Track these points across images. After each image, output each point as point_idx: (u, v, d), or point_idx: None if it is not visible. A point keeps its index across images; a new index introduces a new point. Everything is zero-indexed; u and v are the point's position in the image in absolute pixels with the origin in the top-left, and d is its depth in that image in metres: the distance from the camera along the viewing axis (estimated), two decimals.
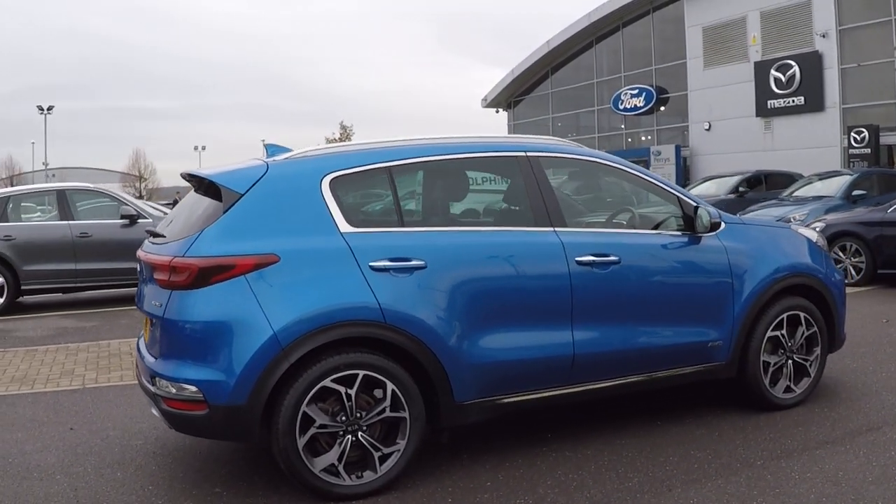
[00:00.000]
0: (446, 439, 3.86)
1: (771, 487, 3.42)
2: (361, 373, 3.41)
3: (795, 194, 12.98)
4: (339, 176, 3.61)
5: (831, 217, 9.76)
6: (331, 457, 3.39)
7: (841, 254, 9.33)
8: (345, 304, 3.39)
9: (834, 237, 9.21)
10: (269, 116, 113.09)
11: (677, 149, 25.88)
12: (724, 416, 4.40)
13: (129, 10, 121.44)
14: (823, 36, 20.89)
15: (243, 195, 3.48)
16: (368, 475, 3.45)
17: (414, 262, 3.54)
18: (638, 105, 29.33)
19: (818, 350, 4.64)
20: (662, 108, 28.37)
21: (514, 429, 4.37)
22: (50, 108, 57.24)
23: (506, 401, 3.77)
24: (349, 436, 3.41)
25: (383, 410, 3.47)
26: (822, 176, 13.16)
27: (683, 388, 4.68)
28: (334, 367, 3.37)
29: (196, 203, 3.75)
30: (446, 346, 3.54)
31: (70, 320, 8.61)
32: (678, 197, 4.33)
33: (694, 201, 4.31)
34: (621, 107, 30.02)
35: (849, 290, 9.11)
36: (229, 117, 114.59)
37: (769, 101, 22.37)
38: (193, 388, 3.30)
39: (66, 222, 9.43)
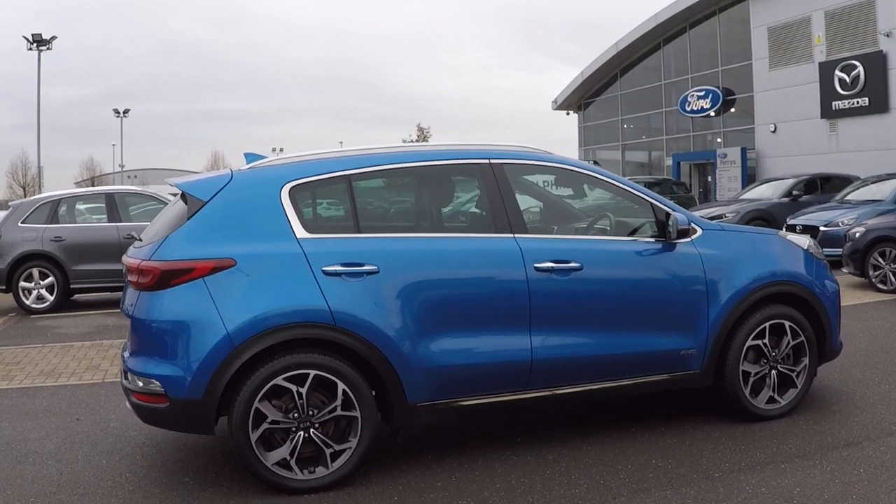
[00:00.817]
0: (402, 439, 3.96)
1: (718, 501, 3.36)
2: (312, 372, 3.55)
3: (848, 198, 12.39)
4: (299, 184, 3.78)
5: (872, 222, 9.27)
6: (283, 451, 3.55)
7: (881, 259, 8.86)
8: (295, 306, 3.55)
9: (874, 242, 8.76)
10: (349, 118, 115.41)
11: (743, 151, 25.02)
12: (702, 426, 4.32)
13: (217, 14, 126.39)
14: (888, 35, 19.80)
15: (207, 202, 3.69)
16: (320, 471, 3.59)
17: (366, 268, 3.66)
18: (704, 107, 28.51)
19: (806, 360, 4.48)
20: (732, 110, 27.51)
21: (487, 431, 4.43)
22: (126, 112, 59.18)
23: (462, 404, 3.84)
24: (301, 432, 3.56)
25: (334, 409, 3.60)
26: (877, 179, 12.50)
27: (670, 394, 4.64)
28: (285, 366, 3.53)
29: (172, 209, 4.00)
30: (397, 349, 3.64)
31: (112, 318, 9.14)
32: (651, 203, 4.29)
33: (668, 208, 4.26)
34: (688, 109, 29.25)
35: (886, 297, 8.79)
36: (310, 119, 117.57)
37: (833, 103, 21.34)
38: (157, 383, 3.53)
39: (113, 224, 10.05)
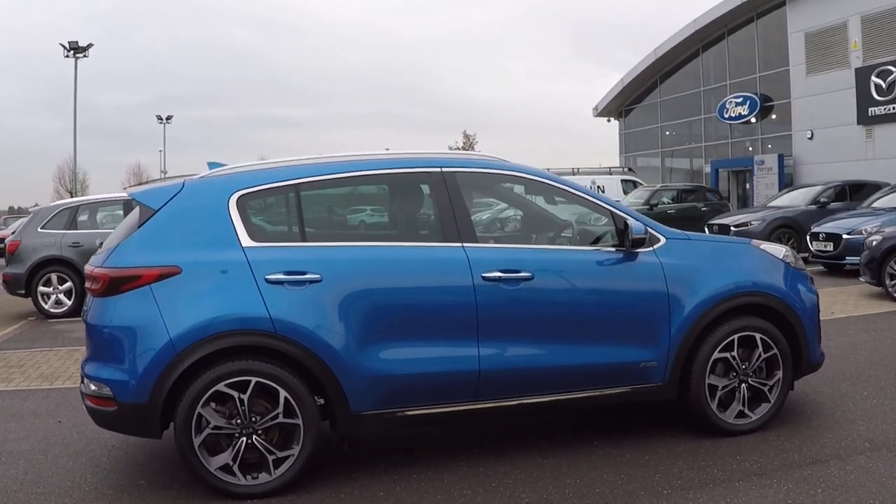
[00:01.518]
0: (346, 447, 3.96)
1: None
2: (254, 379, 3.57)
3: (875, 205, 11.93)
4: (247, 193, 3.81)
5: (890, 230, 8.90)
6: (226, 457, 3.57)
7: None
8: (236, 314, 3.58)
9: (890, 251, 8.41)
10: (401, 124, 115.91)
11: (780, 158, 24.34)
12: (668, 440, 4.19)
13: (269, 20, 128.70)
14: None
15: (157, 211, 3.76)
16: (263, 477, 3.61)
17: (309, 276, 3.67)
18: (742, 113, 27.91)
19: (780, 374, 4.32)
20: (774, 116, 26.88)
21: (449, 440, 4.40)
22: (169, 118, 59.75)
23: (409, 413, 3.81)
24: (244, 438, 3.58)
25: (276, 416, 3.61)
26: None
27: (643, 407, 4.53)
28: (227, 372, 3.56)
29: (130, 218, 4.09)
30: (339, 358, 3.64)
31: None
32: (611, 212, 4.21)
33: (628, 216, 4.18)
34: (726, 115, 28.67)
35: None
36: (362, 125, 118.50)
37: (870, 109, 20.62)
38: (106, 387, 3.60)
39: None
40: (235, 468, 3.59)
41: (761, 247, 4.53)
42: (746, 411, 4.26)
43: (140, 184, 4.38)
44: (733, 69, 28.69)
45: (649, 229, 4.19)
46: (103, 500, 3.67)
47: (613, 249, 4.11)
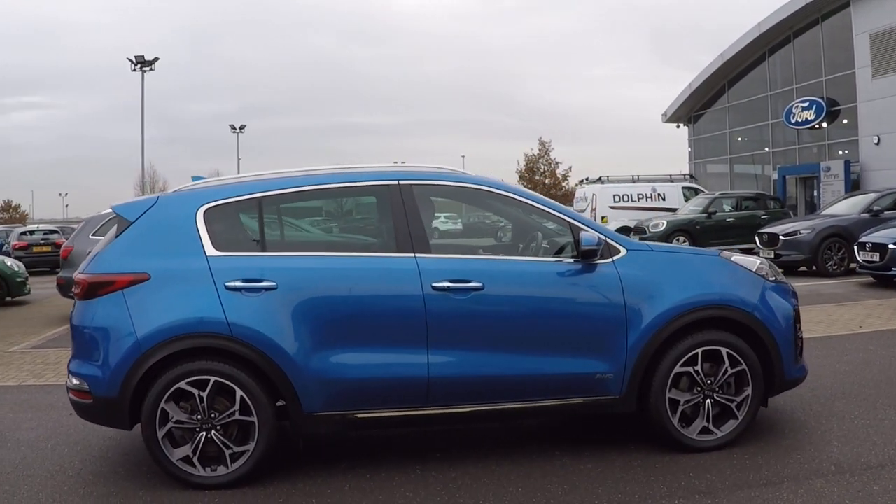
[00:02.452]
0: (301, 446, 4.14)
1: None
2: (213, 378, 3.79)
3: None
4: (213, 206, 4.04)
5: None
6: (186, 449, 3.80)
7: None
8: (196, 318, 3.81)
9: None
10: (484, 131, 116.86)
11: (846, 164, 23.30)
12: (632, 454, 4.15)
13: (352, 30, 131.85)
14: None
15: (133, 223, 4.04)
16: (221, 470, 3.82)
17: (265, 284, 3.87)
18: (809, 118, 26.83)
19: (748, 390, 4.25)
20: (845, 121, 25.77)
21: (416, 445, 4.51)
22: (242, 127, 60.58)
23: (360, 416, 3.94)
24: (203, 433, 3.81)
25: (233, 413, 3.82)
26: None
27: (624, 419, 4.50)
28: (188, 371, 3.79)
29: (112, 230, 4.39)
30: (291, 360, 3.82)
31: None
32: (569, 223, 4.24)
33: (587, 227, 4.20)
34: (793, 120, 27.65)
35: None
36: (445, 132, 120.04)
37: None
38: (84, 382, 3.90)
39: None
40: (195, 460, 3.81)
41: (732, 259, 4.46)
42: (711, 427, 4.19)
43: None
44: (800, 73, 27.69)
45: (609, 240, 4.20)
46: (81, 484, 3.96)
47: (571, 261, 4.15)
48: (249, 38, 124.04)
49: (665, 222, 19.32)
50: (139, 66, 38.62)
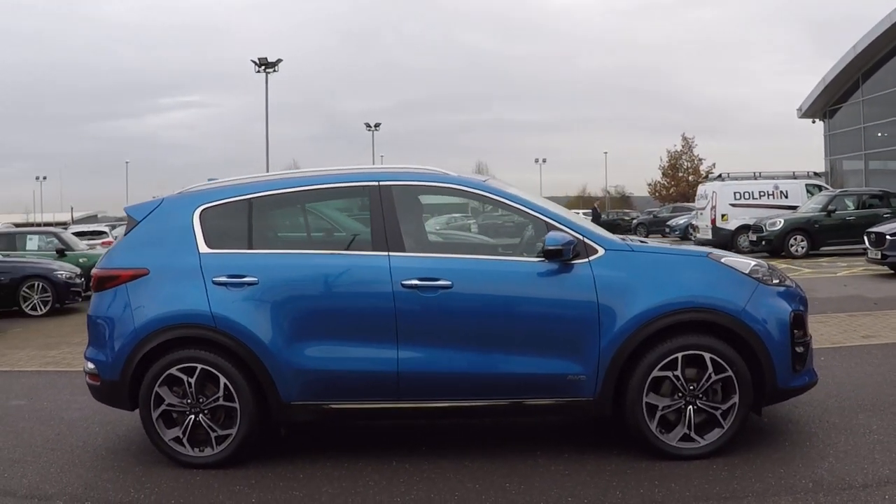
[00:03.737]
0: (284, 433, 4.39)
1: None
2: (199, 366, 4.12)
3: None
4: (209, 207, 4.37)
5: None
6: (177, 430, 4.16)
7: None
8: (184, 310, 4.15)
9: None
10: (637, 126, 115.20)
11: None
12: (610, 458, 4.06)
13: (503, 26, 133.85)
14: None
15: (140, 222, 4.46)
16: (208, 451, 4.14)
17: (247, 279, 4.15)
18: None
19: (735, 399, 4.05)
20: None
21: (405, 439, 4.64)
22: (377, 125, 61.85)
23: (334, 406, 4.14)
24: (192, 416, 4.16)
25: (217, 399, 4.13)
26: None
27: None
28: (178, 359, 4.14)
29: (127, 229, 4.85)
30: (269, 351, 4.07)
31: None
32: (545, 222, 4.21)
33: (559, 228, 4.14)
34: None
35: None
36: (599, 128, 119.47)
37: None
38: (94, 366, 4.38)
39: None
40: (185, 441, 4.16)
41: (722, 260, 4.25)
42: (693, 435, 4.03)
43: None
44: None
45: (587, 240, 4.15)
46: (92, 458, 4.41)
47: (540, 260, 4.13)
48: (404, 36, 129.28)
49: (782, 221, 18.40)
50: (263, 67, 40.90)
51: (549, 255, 4.03)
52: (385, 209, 4.24)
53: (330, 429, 4.82)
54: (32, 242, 14.58)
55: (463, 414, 4.21)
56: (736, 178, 21.45)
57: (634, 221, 39.07)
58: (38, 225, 45.79)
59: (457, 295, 4.07)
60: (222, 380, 4.13)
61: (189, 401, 4.16)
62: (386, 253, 4.15)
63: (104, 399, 4.42)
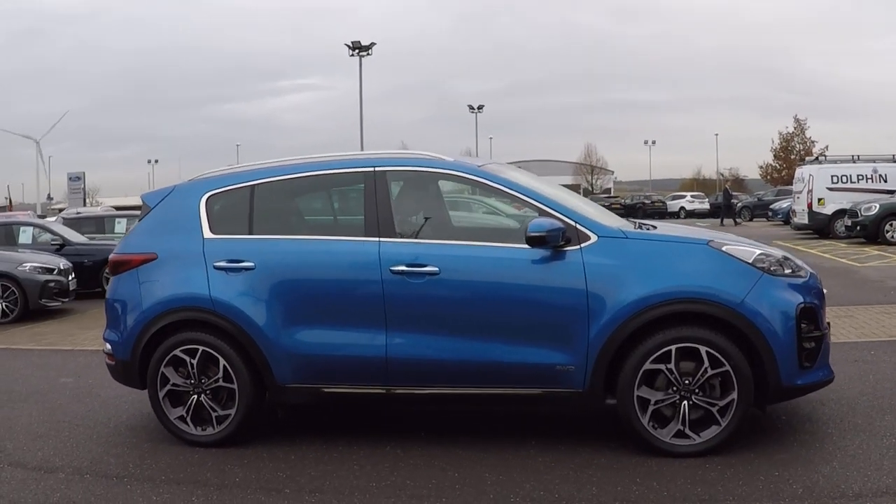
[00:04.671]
0: (281, 415, 4.50)
1: None
2: (201, 348, 4.28)
3: None
4: (214, 194, 4.52)
5: None
6: (181, 409, 4.37)
7: None
8: (186, 293, 4.32)
9: None
10: (760, 107, 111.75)
11: None
12: (603, 451, 3.94)
13: (616, 6, 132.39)
14: None
15: (153, 209, 4.68)
16: (209, 430, 4.31)
17: (245, 264, 4.27)
18: None
19: (734, 395, 3.83)
20: None
21: (401, 423, 4.69)
22: (480, 107, 61.49)
23: (326, 390, 4.21)
24: (195, 396, 4.34)
25: (217, 380, 4.29)
26: None
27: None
28: (181, 341, 4.32)
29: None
30: (264, 334, 4.18)
31: None
32: (539, 208, 4.08)
33: (554, 213, 4.01)
34: None
35: None
36: (697, 109, 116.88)
37: None
38: (109, 347, 4.65)
39: None
40: (188, 419, 4.35)
41: (724, 248, 4.00)
42: (688, 432, 3.85)
43: None
44: None
45: (579, 227, 4.01)
46: (110, 433, 4.66)
47: (528, 247, 4.00)
48: (519, 17, 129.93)
49: (878, 205, 17.31)
50: (356, 51, 41.45)
51: (531, 241, 3.92)
52: (378, 194, 4.25)
53: (336, 413, 4.92)
54: (121, 225, 15.56)
55: (452, 401, 4.20)
56: (834, 161, 20.40)
57: (739, 205, 37.43)
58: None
59: (444, 281, 4.04)
60: (222, 361, 4.28)
61: (192, 381, 4.34)
62: (377, 239, 4.17)
63: (118, 378, 4.69)
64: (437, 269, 4.04)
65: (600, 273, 3.91)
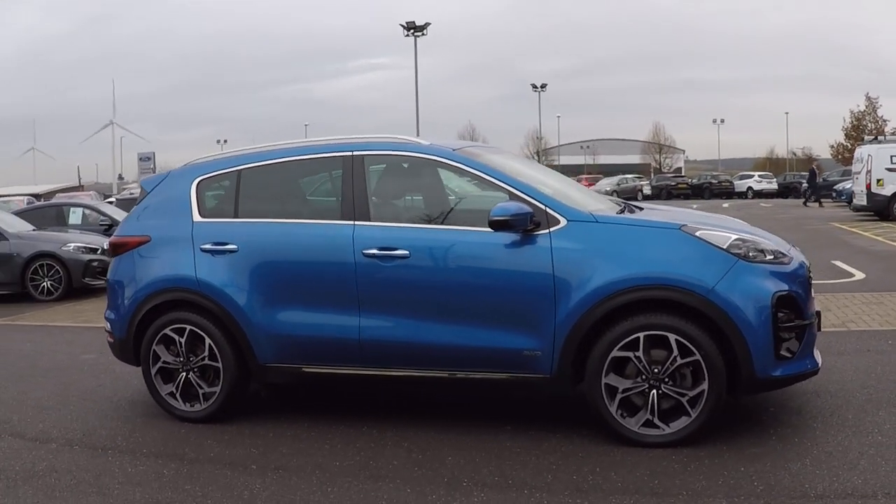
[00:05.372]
0: (264, 393, 4.63)
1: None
2: (188, 327, 4.44)
3: None
4: (204, 178, 4.65)
5: None
6: (170, 386, 4.55)
7: None
8: (174, 275, 4.48)
9: None
10: (812, 87, 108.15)
11: None
12: (573, 439, 3.91)
13: None
14: None
15: (149, 193, 4.87)
16: (197, 406, 4.48)
17: (229, 246, 4.39)
18: None
19: (705, 385, 3.73)
20: None
21: (385, 405, 4.76)
22: (543, 86, 62.27)
23: (306, 370, 4.31)
24: (183, 373, 4.51)
25: (203, 358, 4.45)
26: None
27: None
28: (170, 320, 4.49)
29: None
30: (245, 315, 4.31)
31: None
32: (510, 193, 4.04)
33: (526, 197, 3.97)
34: None
35: None
36: (766, 88, 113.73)
37: None
38: (109, 325, 4.88)
39: None
40: (178, 396, 4.53)
41: (697, 234, 3.87)
42: (657, 421, 3.77)
43: None
44: None
45: (549, 210, 3.96)
46: (111, 408, 4.87)
47: (492, 231, 3.95)
48: None
49: None
50: (411, 31, 41.57)
51: (493, 225, 3.89)
52: (355, 178, 4.30)
53: (328, 393, 5.03)
54: None
55: (425, 383, 4.23)
56: (893, 141, 19.44)
57: (804, 185, 36.02)
58: None
59: (413, 265, 4.07)
60: (207, 341, 4.43)
61: (181, 359, 4.52)
62: (352, 222, 4.22)
63: (117, 355, 4.90)
64: (406, 252, 4.07)
65: (567, 258, 3.86)
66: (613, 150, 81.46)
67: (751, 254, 3.82)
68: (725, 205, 32.66)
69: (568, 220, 3.94)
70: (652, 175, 58.97)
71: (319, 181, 4.59)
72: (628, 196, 44.08)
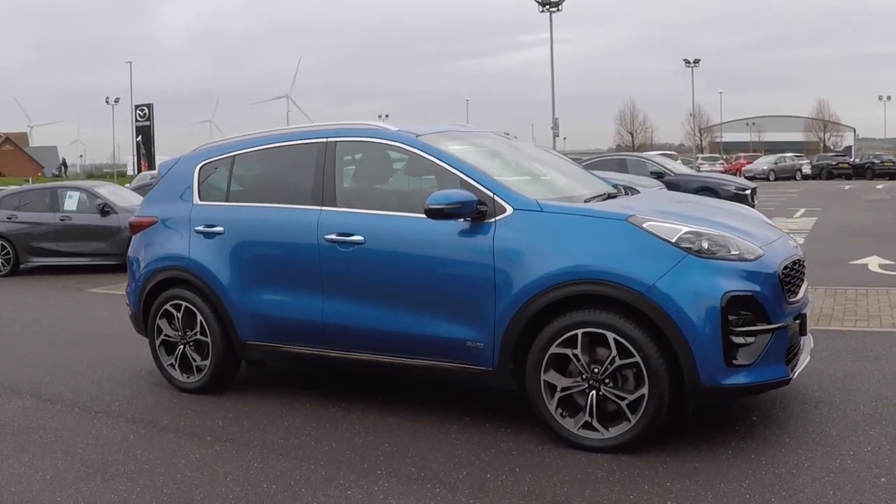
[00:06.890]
0: (256, 372, 4.86)
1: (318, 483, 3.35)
2: (184, 304, 4.79)
3: None
4: (205, 164, 4.95)
5: None
6: (171, 358, 4.91)
7: None
8: (171, 254, 4.83)
9: None
10: None
11: None
12: (533, 441, 3.75)
13: None
14: None
15: (163, 177, 5.26)
16: (192, 378, 4.82)
17: (216, 229, 4.66)
18: None
19: (645, 390, 3.47)
20: None
21: (374, 388, 4.81)
22: (696, 61, 59.00)
23: (283, 349, 4.52)
24: (181, 346, 4.86)
25: (196, 333, 4.77)
26: None
27: None
28: (170, 297, 4.85)
29: None
30: (228, 294, 4.57)
31: None
32: (461, 180, 3.95)
33: (476, 185, 3.87)
34: None
35: None
36: None
37: None
38: (127, 299, 5.36)
39: None
40: (177, 367, 4.91)
41: (644, 225, 3.56)
42: (596, 424, 3.57)
43: None
44: None
45: (497, 198, 3.83)
46: (127, 376, 5.28)
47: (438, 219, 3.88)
48: None
49: None
50: (546, 6, 40.81)
51: (428, 213, 3.83)
52: (326, 164, 4.40)
53: (329, 374, 5.17)
54: None
55: (382, 368, 4.26)
56: None
57: None
58: None
59: (367, 251, 4.13)
60: (199, 317, 4.75)
61: (179, 333, 4.88)
62: (319, 208, 4.34)
63: (134, 326, 5.36)
64: (362, 238, 4.13)
65: (509, 248, 3.73)
66: (778, 127, 76.18)
67: (706, 247, 3.48)
68: (880, 186, 29.41)
69: (514, 209, 3.79)
70: (819, 153, 54.13)
71: (297, 167, 4.72)
72: (786, 176, 41.14)
